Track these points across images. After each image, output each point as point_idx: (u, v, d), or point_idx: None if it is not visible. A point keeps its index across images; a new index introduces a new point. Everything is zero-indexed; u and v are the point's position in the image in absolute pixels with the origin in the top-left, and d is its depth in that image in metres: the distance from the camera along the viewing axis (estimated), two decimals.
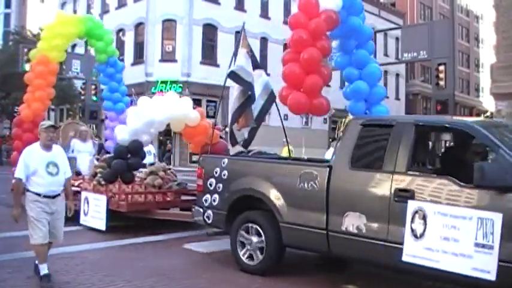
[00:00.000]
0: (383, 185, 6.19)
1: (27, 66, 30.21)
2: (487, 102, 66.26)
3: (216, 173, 8.16)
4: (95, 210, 10.62)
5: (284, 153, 24.77)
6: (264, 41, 43.88)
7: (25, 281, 7.07)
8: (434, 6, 64.01)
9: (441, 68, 26.05)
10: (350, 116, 9.20)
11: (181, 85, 36.42)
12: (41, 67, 13.86)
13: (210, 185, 8.23)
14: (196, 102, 35.44)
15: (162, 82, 36.70)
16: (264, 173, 7.56)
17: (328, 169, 6.74)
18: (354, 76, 9.92)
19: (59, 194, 6.94)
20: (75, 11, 47.82)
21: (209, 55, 39.85)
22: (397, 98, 58.40)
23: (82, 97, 34.32)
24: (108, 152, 15.50)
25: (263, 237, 7.39)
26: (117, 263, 8.32)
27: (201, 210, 8.41)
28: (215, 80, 36.54)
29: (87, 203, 10.86)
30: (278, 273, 7.54)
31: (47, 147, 6.90)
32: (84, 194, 11.07)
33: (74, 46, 43.43)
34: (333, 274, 7.97)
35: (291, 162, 7.92)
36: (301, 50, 9.00)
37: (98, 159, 13.39)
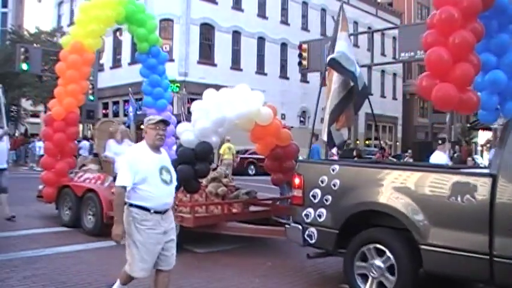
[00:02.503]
0: None
1: (24, 66, 29.23)
2: None
3: (322, 182, 6.80)
4: None
5: (222, 151, 23.88)
6: (261, 40, 43.18)
7: (22, 281, 7.05)
8: (431, 6, 63.47)
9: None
10: None
11: (178, 85, 35.35)
12: (74, 56, 11.75)
13: (314, 197, 6.86)
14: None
15: None
16: (395, 182, 6.21)
17: (491, 179, 5.46)
18: (491, 64, 8.56)
19: (169, 209, 5.43)
20: (72, 11, 46.42)
21: (206, 55, 39.15)
22: (394, 98, 58.26)
23: None
24: None
25: (393, 262, 6.05)
26: (113, 263, 7.91)
27: (300, 227, 7.00)
28: (212, 80, 35.72)
29: None
30: (274, 273, 7.69)
31: (157, 149, 5.35)
32: None
33: None
34: (329, 274, 7.83)
35: (436, 169, 6.48)
36: (449, 31, 7.37)
37: None
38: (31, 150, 33.08)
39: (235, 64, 40.97)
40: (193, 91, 35.67)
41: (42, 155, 31.79)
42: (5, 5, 57.54)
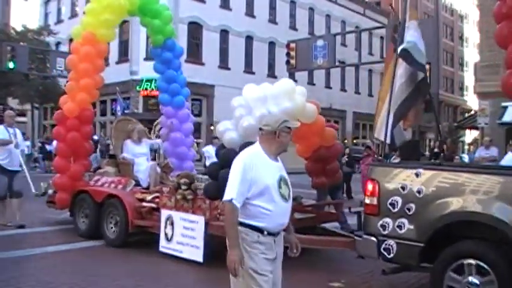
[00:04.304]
0: None
1: (10, 64, 28.31)
2: (471, 100, 66.58)
3: (403, 188, 6.04)
4: (184, 235, 8.30)
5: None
6: (249, 39, 42.70)
7: (9, 281, 7.04)
8: (419, 5, 63.55)
9: (426, 67, 25.57)
10: None
11: None
12: (87, 47, 10.72)
13: (393, 205, 6.08)
14: None
15: (147, 80, 35.27)
16: (497, 189, 5.47)
17: None
18: None
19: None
20: (59, 9, 45.64)
21: (194, 54, 38.42)
22: None
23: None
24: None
25: (494, 280, 5.30)
26: (100, 263, 8.37)
27: (375, 239, 6.23)
28: (200, 79, 35.10)
29: (172, 224, 8.56)
30: None
31: (276, 156, 4.40)
32: (165, 213, 8.71)
33: (58, 44, 41.50)
34: (318, 273, 7.72)
35: None
36: None
37: (158, 164, 11.16)
38: None
39: (223, 63, 40.56)
40: None
41: (29, 154, 31.08)
42: None
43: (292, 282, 6.84)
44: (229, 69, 40.36)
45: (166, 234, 8.63)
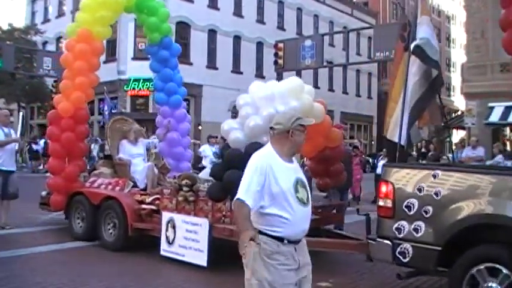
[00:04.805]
0: None
1: None
2: (458, 101, 66.81)
3: (420, 190, 5.83)
4: (187, 238, 8.04)
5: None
6: (237, 39, 42.47)
7: (2, 281, 7.00)
8: (406, 6, 63.74)
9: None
10: None
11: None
12: (82, 45, 10.43)
13: (408, 207, 5.87)
14: None
15: (135, 80, 35.19)
16: None
17: None
18: None
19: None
20: (46, 8, 45.36)
21: (182, 53, 37.45)
22: (369, 97, 58.30)
23: (54, 95, 31.88)
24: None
25: None
26: (88, 264, 8.29)
27: (389, 243, 6.01)
28: (188, 79, 34.69)
29: (173, 227, 8.29)
30: None
31: (290, 157, 4.11)
32: (166, 215, 8.45)
33: (45, 43, 41.07)
34: None
35: None
36: None
37: (156, 166, 10.88)
38: None
39: (211, 63, 40.23)
40: None
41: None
42: None
43: None
44: (217, 69, 40.04)
45: (167, 238, 8.37)
